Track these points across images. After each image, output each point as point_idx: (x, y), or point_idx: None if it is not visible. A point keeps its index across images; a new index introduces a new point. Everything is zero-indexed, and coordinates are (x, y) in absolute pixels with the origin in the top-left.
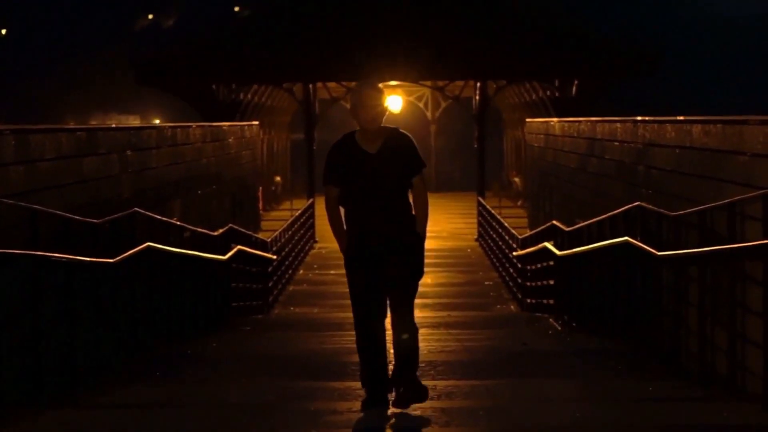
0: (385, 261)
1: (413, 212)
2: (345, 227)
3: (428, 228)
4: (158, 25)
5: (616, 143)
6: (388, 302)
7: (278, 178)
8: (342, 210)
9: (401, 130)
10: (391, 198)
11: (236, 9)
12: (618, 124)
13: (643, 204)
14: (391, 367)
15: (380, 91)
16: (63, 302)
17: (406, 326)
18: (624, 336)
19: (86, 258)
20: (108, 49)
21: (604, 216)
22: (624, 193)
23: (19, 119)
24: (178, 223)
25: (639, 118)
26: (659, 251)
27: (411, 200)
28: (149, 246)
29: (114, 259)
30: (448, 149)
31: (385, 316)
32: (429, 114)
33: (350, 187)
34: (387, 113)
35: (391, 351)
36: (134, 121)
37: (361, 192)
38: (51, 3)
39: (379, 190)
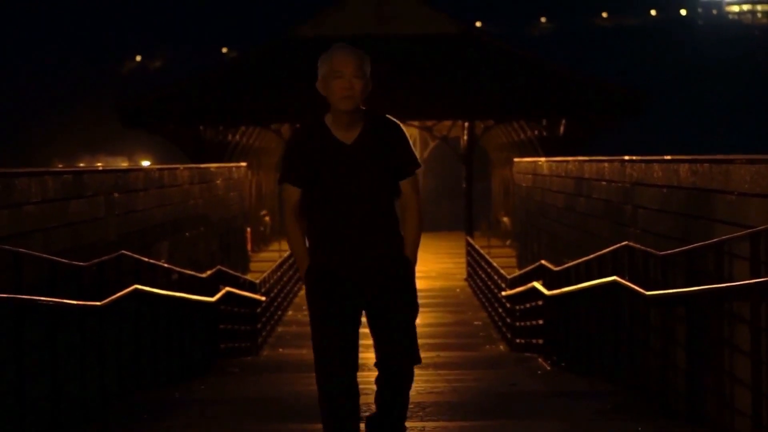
0: (362, 295)
1: (400, 228)
2: (307, 243)
3: (416, 268)
4: (145, 67)
5: (604, 183)
6: (375, 352)
7: (267, 219)
8: (306, 219)
9: (389, 117)
10: (371, 207)
11: (224, 50)
12: (605, 164)
13: (631, 243)
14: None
15: (362, 57)
16: (48, 347)
17: (400, 389)
18: (613, 376)
19: (72, 301)
20: (96, 90)
21: (592, 255)
22: (612, 232)
23: (7, 162)
24: (166, 265)
25: (626, 157)
26: (647, 290)
27: (398, 212)
28: (136, 289)
29: (101, 302)
30: (437, 189)
31: (356, 369)
32: (417, 154)
33: (316, 189)
34: (370, 89)
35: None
36: (122, 163)
37: (329, 197)
38: (39, 45)
39: (355, 195)
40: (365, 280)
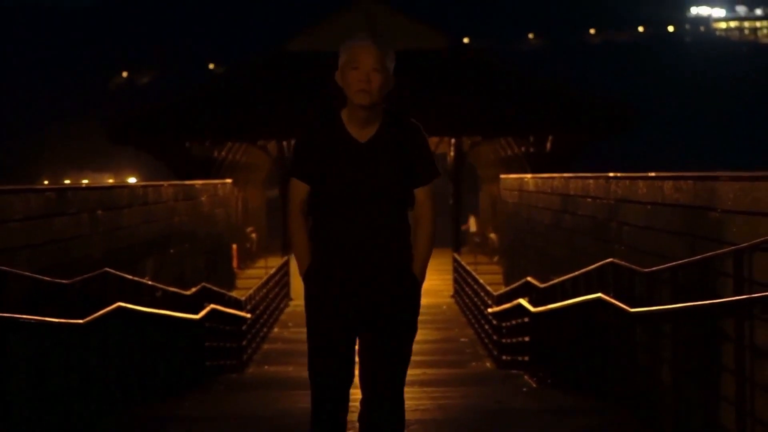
0: (361, 305)
1: (411, 241)
2: (311, 243)
3: None
4: (133, 83)
5: (589, 199)
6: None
7: (253, 236)
8: (312, 218)
9: (410, 119)
10: (381, 211)
11: (211, 66)
12: (591, 181)
13: (616, 260)
14: None
15: (384, 50)
16: (31, 365)
17: (389, 413)
18: (599, 393)
19: (54, 319)
20: (83, 106)
21: (577, 272)
22: (597, 249)
23: None
24: (150, 282)
25: (611, 174)
26: (632, 307)
27: (410, 222)
28: (120, 306)
29: (83, 320)
30: None
31: (351, 380)
32: None
33: (324, 188)
34: (392, 86)
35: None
36: (108, 179)
37: (337, 196)
38: (25, 61)
39: (364, 196)
40: (367, 289)
